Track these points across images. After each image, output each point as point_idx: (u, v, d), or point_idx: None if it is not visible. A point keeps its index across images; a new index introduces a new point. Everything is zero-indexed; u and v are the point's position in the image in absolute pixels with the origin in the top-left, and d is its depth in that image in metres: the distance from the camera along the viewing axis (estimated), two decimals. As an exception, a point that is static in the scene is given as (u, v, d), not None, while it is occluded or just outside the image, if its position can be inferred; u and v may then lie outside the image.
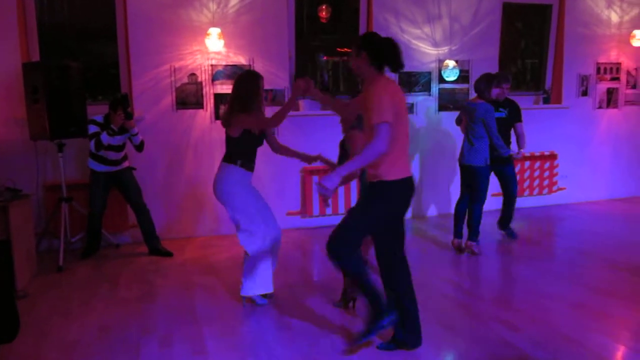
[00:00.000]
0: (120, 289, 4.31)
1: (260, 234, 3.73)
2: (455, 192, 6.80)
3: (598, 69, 7.29)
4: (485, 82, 4.86)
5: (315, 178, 6.12)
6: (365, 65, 2.97)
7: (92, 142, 4.85)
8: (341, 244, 2.95)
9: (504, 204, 5.48)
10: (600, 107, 7.40)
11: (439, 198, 6.79)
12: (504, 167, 5.28)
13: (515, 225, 5.58)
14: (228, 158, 3.75)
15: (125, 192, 5.19)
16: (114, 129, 4.88)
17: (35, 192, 5.15)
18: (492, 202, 5.83)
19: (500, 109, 5.29)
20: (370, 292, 3.01)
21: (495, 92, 4.99)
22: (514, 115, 5.40)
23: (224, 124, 3.78)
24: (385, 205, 2.96)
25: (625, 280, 4.29)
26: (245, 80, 3.75)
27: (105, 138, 4.82)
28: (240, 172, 3.73)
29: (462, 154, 5.02)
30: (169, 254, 5.20)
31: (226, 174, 3.73)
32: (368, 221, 3.00)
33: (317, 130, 6.00)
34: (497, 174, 5.35)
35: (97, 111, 5.14)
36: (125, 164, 5.17)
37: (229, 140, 3.75)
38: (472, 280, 4.37)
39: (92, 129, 4.89)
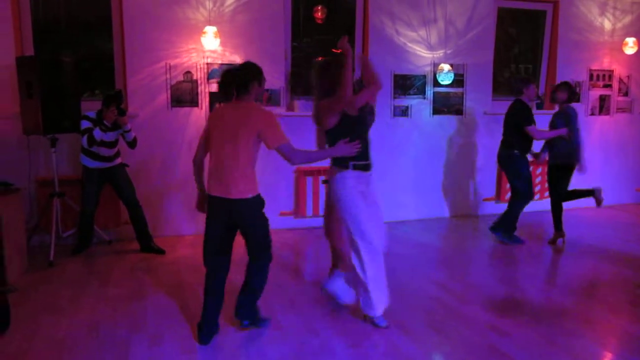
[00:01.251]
0: (110, 286, 4.31)
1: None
2: (448, 194, 6.86)
3: (591, 76, 7.36)
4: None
5: (310, 179, 6.14)
6: None
7: (85, 138, 4.82)
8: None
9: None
10: (592, 114, 7.46)
11: (430, 201, 6.82)
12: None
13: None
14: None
15: (118, 189, 5.18)
16: (107, 125, 4.86)
17: (27, 186, 5.13)
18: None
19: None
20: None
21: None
22: None
23: (317, 120, 3.57)
24: None
25: (613, 286, 4.34)
26: (333, 65, 3.50)
27: (98, 134, 4.80)
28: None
29: (566, 154, 5.41)
30: (161, 252, 5.20)
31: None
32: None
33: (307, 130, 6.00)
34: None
35: (91, 107, 5.12)
36: (118, 161, 5.16)
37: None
38: (462, 283, 4.40)
39: (85, 124, 4.86)
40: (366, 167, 3.46)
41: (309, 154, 3.39)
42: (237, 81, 3.21)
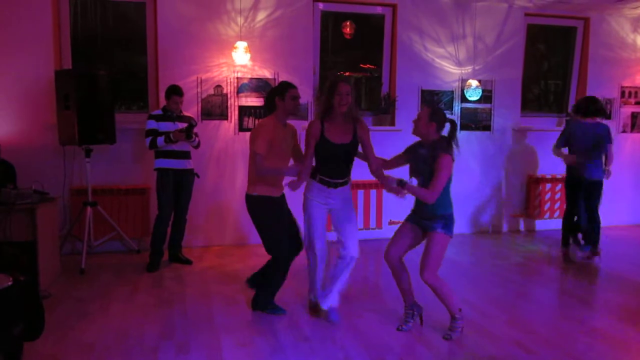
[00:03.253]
0: (139, 294, 4.39)
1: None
2: (475, 210, 6.81)
3: (622, 93, 7.25)
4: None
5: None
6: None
7: (148, 140, 4.91)
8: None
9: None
10: (624, 131, 7.34)
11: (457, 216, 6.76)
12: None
13: (537, 247, 5.57)
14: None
15: (179, 194, 5.16)
16: (170, 139, 4.89)
17: (61, 195, 5.28)
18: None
19: None
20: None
21: None
22: None
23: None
24: None
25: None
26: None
27: (160, 142, 4.89)
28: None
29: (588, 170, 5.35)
30: (188, 262, 5.28)
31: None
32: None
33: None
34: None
35: (125, 119, 5.27)
36: (190, 164, 5.20)
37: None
38: (489, 299, 4.35)
39: (150, 124, 4.95)
40: (329, 184, 3.69)
41: (268, 169, 3.67)
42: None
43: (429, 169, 3.45)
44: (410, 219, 3.67)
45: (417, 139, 3.62)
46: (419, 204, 3.56)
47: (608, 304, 4.28)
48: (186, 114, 5.21)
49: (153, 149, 4.96)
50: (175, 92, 5.02)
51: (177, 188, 5.14)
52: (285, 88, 3.76)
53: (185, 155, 5.15)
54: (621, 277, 4.99)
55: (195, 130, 5.05)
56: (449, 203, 3.57)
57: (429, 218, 3.52)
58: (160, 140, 4.90)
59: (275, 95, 3.76)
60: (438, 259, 3.48)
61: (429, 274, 3.44)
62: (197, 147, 5.27)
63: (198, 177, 5.33)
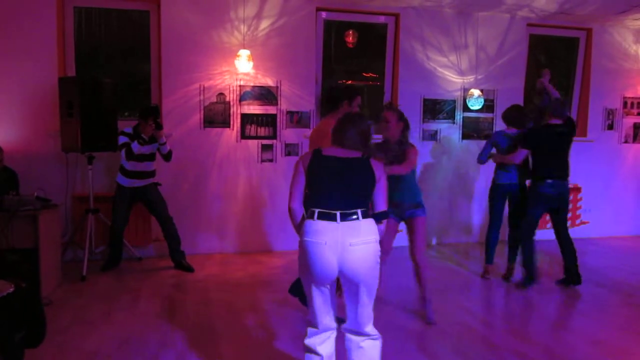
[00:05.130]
0: (140, 302, 4.38)
1: None
2: (477, 219, 6.80)
3: (625, 103, 7.26)
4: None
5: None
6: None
7: (123, 152, 4.99)
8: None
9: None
10: (626, 142, 7.34)
11: (460, 225, 6.77)
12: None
13: (536, 256, 5.51)
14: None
15: (150, 206, 5.30)
16: (144, 138, 5.03)
17: (63, 202, 5.29)
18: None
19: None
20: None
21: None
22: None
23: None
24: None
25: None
26: None
27: (136, 147, 4.97)
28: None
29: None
30: (190, 270, 5.27)
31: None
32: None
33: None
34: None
35: (127, 126, 5.27)
36: (152, 180, 5.29)
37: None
38: (491, 309, 4.34)
39: (122, 139, 5.04)
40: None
41: None
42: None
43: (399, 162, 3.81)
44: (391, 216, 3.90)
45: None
46: (402, 198, 3.88)
47: (609, 314, 4.26)
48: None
49: (131, 158, 5.02)
50: (155, 113, 5.09)
51: (143, 202, 5.30)
52: (355, 94, 3.85)
53: (147, 175, 5.23)
54: (622, 288, 4.96)
55: (166, 133, 5.13)
56: (420, 191, 4.04)
57: (413, 207, 3.94)
58: (135, 145, 4.98)
59: (345, 98, 3.80)
60: (425, 239, 4.06)
61: (421, 254, 3.93)
62: (168, 157, 5.26)
63: (160, 185, 5.37)
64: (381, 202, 2.57)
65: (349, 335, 2.64)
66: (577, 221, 7.09)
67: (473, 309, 4.30)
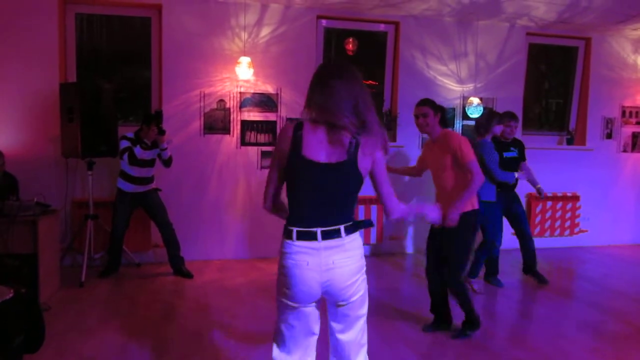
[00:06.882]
0: (139, 308, 4.38)
1: None
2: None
3: (623, 112, 7.29)
4: (486, 119, 4.88)
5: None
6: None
7: (125, 156, 4.97)
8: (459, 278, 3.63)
9: (520, 246, 5.34)
10: (624, 151, 7.36)
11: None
12: (512, 204, 5.23)
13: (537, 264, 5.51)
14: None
15: (151, 212, 5.30)
16: (147, 144, 5.04)
17: (63, 207, 5.29)
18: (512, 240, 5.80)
19: (511, 149, 5.27)
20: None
21: (498, 129, 5.00)
22: (522, 154, 5.42)
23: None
24: (475, 231, 3.73)
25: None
26: None
27: (138, 152, 4.97)
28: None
29: None
30: (189, 276, 5.27)
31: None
32: (470, 249, 3.73)
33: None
34: (505, 214, 5.24)
35: (127, 131, 5.28)
36: (152, 186, 5.29)
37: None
38: (489, 317, 4.34)
39: (124, 144, 5.03)
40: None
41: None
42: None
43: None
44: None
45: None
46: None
47: (608, 322, 4.26)
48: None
49: (133, 163, 5.00)
50: (158, 118, 5.07)
51: (143, 207, 5.29)
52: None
53: (148, 181, 5.23)
54: (621, 296, 4.97)
55: (167, 139, 5.13)
56: None
57: None
58: (138, 150, 4.97)
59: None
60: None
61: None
62: (168, 162, 5.26)
63: (160, 190, 5.38)
64: (387, 203, 2.19)
65: None
66: (576, 229, 7.10)
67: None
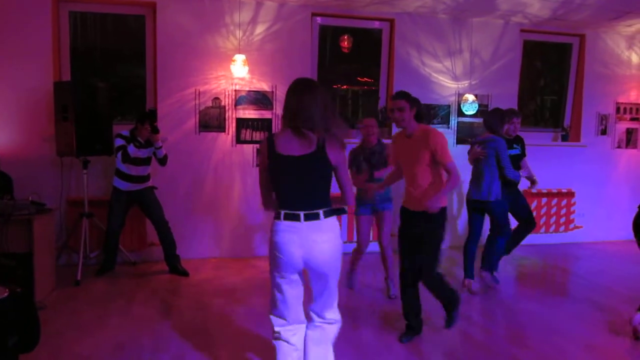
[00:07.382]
0: (135, 306, 4.37)
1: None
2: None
3: (618, 109, 7.32)
4: (499, 118, 4.86)
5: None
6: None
7: (119, 154, 4.97)
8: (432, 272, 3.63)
9: (519, 231, 5.36)
10: (619, 147, 7.40)
11: (452, 230, 6.79)
12: (517, 197, 5.26)
13: (529, 262, 5.54)
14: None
15: (147, 210, 5.29)
16: (140, 142, 5.03)
17: (58, 206, 5.27)
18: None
19: (514, 146, 5.27)
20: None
21: (506, 127, 5.02)
22: (524, 150, 5.42)
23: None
24: (444, 228, 3.72)
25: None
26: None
27: (132, 150, 4.96)
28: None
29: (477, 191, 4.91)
30: (184, 274, 5.27)
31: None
32: (440, 246, 3.68)
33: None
34: (511, 209, 5.24)
35: (124, 129, 5.27)
36: (148, 184, 5.28)
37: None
38: (484, 314, 4.35)
39: (119, 142, 5.01)
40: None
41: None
42: None
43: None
44: (366, 211, 4.64)
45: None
46: (376, 194, 4.35)
47: (603, 319, 4.28)
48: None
49: (126, 161, 4.99)
50: (152, 117, 5.08)
51: (139, 205, 5.29)
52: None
53: (143, 179, 5.22)
54: (616, 293, 4.99)
55: (161, 137, 5.13)
56: (390, 187, 4.43)
57: (384, 201, 4.60)
58: (131, 148, 4.96)
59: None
60: (390, 228, 4.64)
61: (387, 239, 4.63)
62: (163, 161, 5.25)
63: (156, 188, 5.37)
64: (347, 191, 2.69)
65: (312, 314, 2.82)
66: (571, 226, 7.13)
67: (467, 314, 4.32)
